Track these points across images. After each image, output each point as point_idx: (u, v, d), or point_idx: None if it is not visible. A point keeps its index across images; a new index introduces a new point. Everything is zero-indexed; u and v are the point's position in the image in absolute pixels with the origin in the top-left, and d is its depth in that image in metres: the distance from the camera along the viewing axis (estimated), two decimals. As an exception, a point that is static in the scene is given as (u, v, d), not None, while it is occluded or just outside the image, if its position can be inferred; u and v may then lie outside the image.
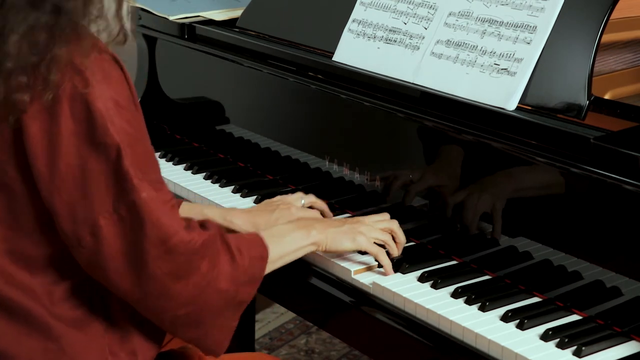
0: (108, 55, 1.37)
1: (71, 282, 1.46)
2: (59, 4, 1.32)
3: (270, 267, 1.56)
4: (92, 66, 1.33)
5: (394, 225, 1.76)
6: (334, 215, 1.96)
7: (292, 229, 1.67)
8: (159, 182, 1.41)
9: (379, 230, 1.73)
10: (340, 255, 1.76)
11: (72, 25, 1.33)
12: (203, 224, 1.49)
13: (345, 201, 2.00)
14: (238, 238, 1.53)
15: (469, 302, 1.63)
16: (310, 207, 1.91)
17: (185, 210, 1.84)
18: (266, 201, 1.92)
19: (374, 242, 1.72)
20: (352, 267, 1.73)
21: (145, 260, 1.38)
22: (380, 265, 1.73)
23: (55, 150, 1.34)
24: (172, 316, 1.44)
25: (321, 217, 1.88)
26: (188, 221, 1.45)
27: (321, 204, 1.92)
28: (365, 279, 1.72)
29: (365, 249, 1.71)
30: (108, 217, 1.37)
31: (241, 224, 1.83)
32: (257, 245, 1.54)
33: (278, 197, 1.92)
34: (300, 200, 1.91)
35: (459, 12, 1.88)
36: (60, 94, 1.32)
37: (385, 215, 1.79)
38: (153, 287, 1.40)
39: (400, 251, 1.75)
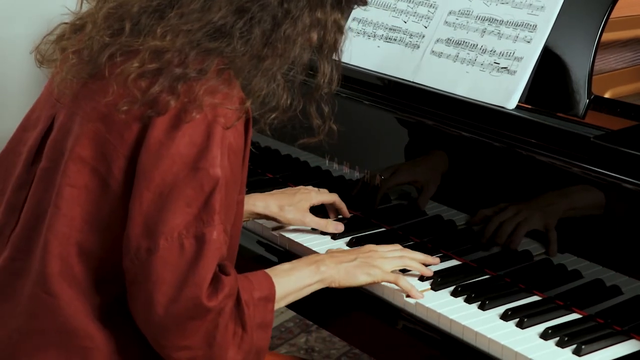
0: (244, 107, 1.42)
1: (116, 290, 1.45)
2: (240, 49, 1.41)
3: (276, 306, 1.52)
4: (228, 108, 1.40)
5: (407, 255, 1.71)
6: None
7: (298, 266, 1.62)
8: (227, 235, 1.42)
9: (393, 259, 1.69)
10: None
11: (233, 68, 1.42)
12: (222, 267, 1.43)
13: (345, 200, 2.00)
14: (245, 279, 1.48)
15: (469, 300, 1.63)
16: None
17: None
18: (285, 188, 1.96)
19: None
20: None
21: (180, 295, 1.37)
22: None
23: (158, 163, 1.37)
24: (189, 358, 1.41)
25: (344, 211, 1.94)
26: (213, 279, 1.41)
27: (334, 194, 1.95)
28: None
29: (382, 281, 1.66)
30: (170, 241, 1.37)
31: (264, 206, 1.87)
32: (264, 287, 1.51)
33: (293, 188, 1.96)
34: (315, 189, 1.95)
35: (459, 10, 1.88)
36: (191, 117, 1.37)
37: (396, 246, 1.74)
38: (173, 324, 1.38)
39: (430, 273, 1.71)
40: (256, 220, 1.93)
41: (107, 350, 1.45)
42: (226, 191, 1.40)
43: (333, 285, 1.64)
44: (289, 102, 1.49)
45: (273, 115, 1.48)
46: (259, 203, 1.88)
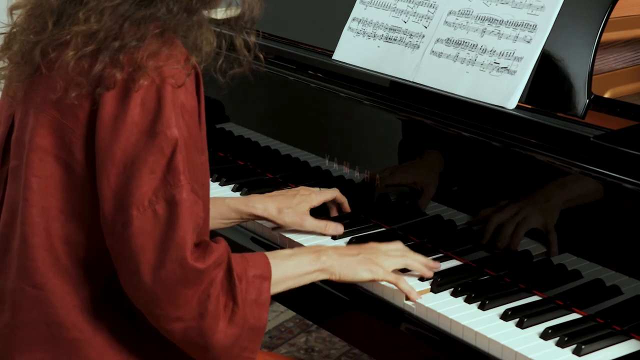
0: (192, 69, 1.43)
1: (104, 276, 1.47)
2: (171, 8, 1.41)
3: (272, 290, 1.52)
4: (174, 68, 1.40)
5: (409, 255, 1.71)
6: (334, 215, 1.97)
7: (299, 252, 1.63)
8: (198, 196, 1.42)
9: (396, 257, 1.69)
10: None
11: (172, 29, 1.42)
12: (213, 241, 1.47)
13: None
14: (241, 257, 1.50)
15: (468, 300, 1.63)
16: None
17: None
18: (286, 189, 1.96)
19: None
20: None
21: (164, 260, 1.38)
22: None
23: (116, 134, 1.38)
24: (182, 329, 1.42)
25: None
26: (199, 244, 1.42)
27: (335, 189, 1.96)
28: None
29: (383, 280, 1.66)
30: (142, 210, 1.38)
31: (263, 208, 1.87)
32: (260, 265, 1.51)
33: (293, 189, 1.96)
34: (316, 189, 1.95)
35: (459, 10, 1.88)
36: (139, 84, 1.38)
37: (399, 244, 1.74)
38: (164, 293, 1.39)
39: (431, 275, 1.70)
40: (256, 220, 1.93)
41: (96, 341, 1.46)
42: (187, 151, 1.41)
43: (333, 277, 1.64)
44: (224, 44, 1.51)
45: (219, 63, 1.50)
46: (258, 205, 1.87)
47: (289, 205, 1.88)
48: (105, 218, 1.40)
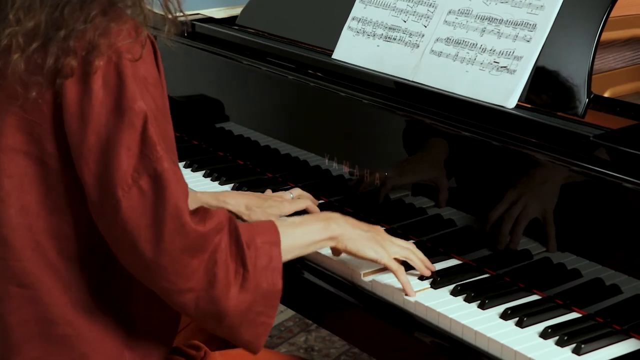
0: (145, 37, 1.41)
1: (96, 269, 1.47)
2: None
3: (282, 257, 1.52)
4: (128, 42, 1.39)
5: (412, 248, 1.71)
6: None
7: (309, 220, 1.63)
8: (177, 165, 1.42)
9: (400, 247, 1.69)
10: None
11: (115, 4, 1.40)
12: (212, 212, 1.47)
13: (345, 199, 2.00)
14: (248, 224, 1.51)
15: (468, 299, 1.63)
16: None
17: None
18: (262, 193, 1.99)
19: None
20: (361, 270, 1.73)
21: (162, 234, 1.38)
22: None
23: (86, 120, 1.38)
24: (194, 300, 1.41)
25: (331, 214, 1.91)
26: (196, 210, 1.43)
27: (308, 196, 1.97)
28: (366, 277, 1.72)
29: (385, 263, 1.66)
30: (127, 189, 1.37)
31: (234, 204, 1.88)
32: (268, 231, 1.51)
33: (270, 193, 1.98)
34: (289, 194, 1.97)
35: (459, 10, 1.88)
36: (96, 65, 1.37)
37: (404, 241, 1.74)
38: (170, 265, 1.39)
39: (428, 273, 1.70)
40: None
41: (90, 336, 1.46)
42: (157, 123, 1.40)
43: (339, 246, 1.64)
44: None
45: (167, 29, 1.48)
46: (230, 200, 1.89)
47: (259, 205, 1.89)
48: (93, 204, 1.40)
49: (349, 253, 1.66)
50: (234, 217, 1.48)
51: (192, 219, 1.39)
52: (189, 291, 1.41)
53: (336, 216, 1.66)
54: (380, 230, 1.72)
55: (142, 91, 1.39)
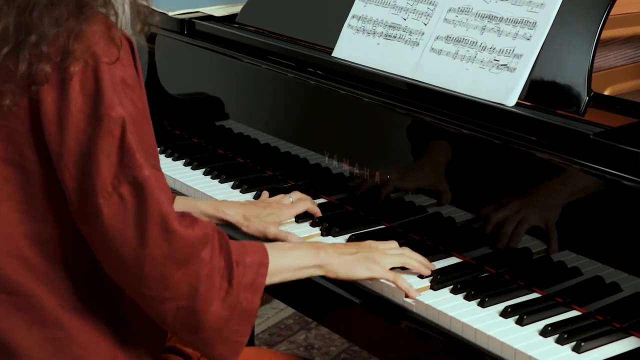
0: (121, 36, 1.39)
1: (83, 270, 1.46)
2: None
3: (268, 280, 1.52)
4: (104, 45, 1.37)
5: (407, 253, 1.70)
6: (334, 211, 1.97)
7: (299, 246, 1.63)
8: (158, 169, 1.41)
9: (394, 256, 1.68)
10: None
11: (87, 5, 1.37)
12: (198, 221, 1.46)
13: (345, 197, 2.00)
14: (239, 243, 1.50)
15: (468, 298, 1.63)
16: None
17: (179, 204, 1.86)
18: (259, 200, 1.98)
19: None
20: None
21: (146, 241, 1.37)
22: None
23: (64, 126, 1.36)
24: (173, 310, 1.41)
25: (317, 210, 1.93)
26: (182, 213, 1.42)
27: (307, 197, 1.96)
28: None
29: (381, 278, 1.66)
30: (107, 197, 1.36)
31: (233, 214, 1.87)
32: (258, 252, 1.51)
33: (268, 199, 1.98)
34: (288, 198, 1.95)
35: (459, 8, 1.88)
36: (72, 72, 1.35)
37: (394, 243, 1.74)
38: (153, 273, 1.38)
39: (428, 272, 1.70)
40: None
41: (80, 338, 1.45)
42: (136, 127, 1.38)
43: (331, 275, 1.64)
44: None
45: (139, 28, 1.46)
46: (229, 211, 1.88)
47: (257, 215, 1.88)
48: (74, 209, 1.39)
49: (343, 280, 1.66)
50: (224, 232, 1.47)
51: (179, 223, 1.38)
52: (170, 300, 1.40)
53: (325, 245, 1.66)
54: (369, 245, 1.71)
55: (120, 95, 1.37)
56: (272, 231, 1.85)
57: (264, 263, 1.50)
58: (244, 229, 1.87)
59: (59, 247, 1.44)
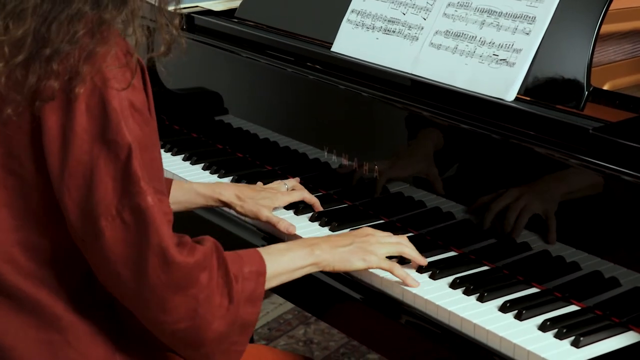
0: (132, 60, 1.37)
1: (80, 274, 1.45)
2: (98, 0, 1.34)
3: (266, 286, 1.52)
4: (116, 68, 1.35)
5: (403, 242, 1.70)
6: (333, 206, 1.97)
7: (293, 247, 1.62)
8: (162, 193, 1.40)
9: (389, 244, 1.68)
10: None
11: (105, 23, 1.35)
12: (198, 240, 1.45)
13: (343, 191, 2.00)
14: (235, 254, 1.49)
15: (467, 292, 1.63)
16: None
17: (176, 188, 1.88)
18: (255, 184, 2.00)
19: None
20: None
21: (145, 268, 1.36)
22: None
23: (68, 146, 1.34)
24: (172, 330, 1.41)
25: (318, 205, 1.94)
26: (180, 238, 1.41)
27: (301, 187, 1.98)
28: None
29: (377, 267, 1.66)
30: (110, 220, 1.35)
31: (228, 195, 1.89)
32: (255, 261, 1.50)
33: (263, 185, 2.00)
34: (283, 185, 1.97)
35: (458, 2, 1.88)
36: (77, 92, 1.33)
37: (390, 234, 1.73)
38: (152, 298, 1.38)
39: (425, 263, 1.70)
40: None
41: (77, 341, 1.44)
42: (142, 152, 1.36)
43: (327, 269, 1.64)
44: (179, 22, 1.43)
45: (162, 51, 1.44)
46: (224, 192, 1.90)
47: (252, 197, 1.90)
48: (72, 228, 1.38)
49: (341, 272, 1.66)
50: (220, 247, 1.45)
51: (178, 252, 1.37)
52: (169, 323, 1.40)
53: (318, 241, 1.65)
54: (364, 234, 1.70)
55: (127, 120, 1.35)
56: (264, 214, 1.87)
57: (261, 272, 1.50)
58: (238, 208, 1.89)
59: (53, 255, 1.43)
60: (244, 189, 1.92)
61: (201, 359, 1.47)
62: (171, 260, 1.36)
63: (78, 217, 1.36)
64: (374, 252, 1.66)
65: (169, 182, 1.85)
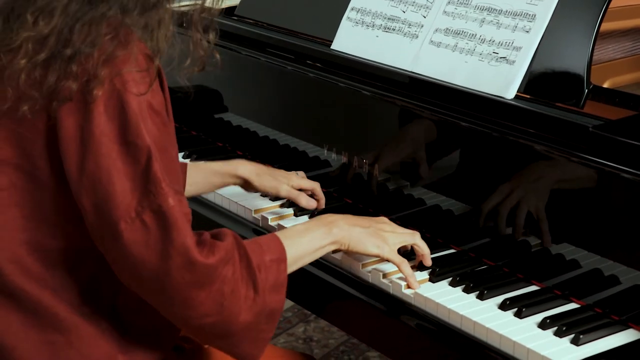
0: (152, 64, 1.38)
1: (85, 276, 1.45)
2: (124, 5, 1.35)
3: (288, 271, 1.51)
4: (136, 72, 1.35)
5: (416, 237, 1.71)
6: (333, 204, 1.97)
7: (311, 227, 1.62)
8: (181, 194, 1.40)
9: (403, 234, 1.69)
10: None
11: (126, 28, 1.35)
12: (217, 235, 1.44)
13: (343, 189, 2.00)
14: (254, 243, 1.49)
15: (467, 290, 1.63)
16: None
17: (192, 169, 1.88)
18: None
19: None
20: (361, 261, 1.73)
21: (169, 268, 1.35)
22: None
23: (86, 148, 1.34)
24: (199, 325, 1.41)
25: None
26: (200, 236, 1.41)
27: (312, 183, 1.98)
28: (365, 268, 1.72)
29: (387, 257, 1.66)
30: (130, 222, 1.34)
31: (245, 170, 1.92)
32: (275, 248, 1.50)
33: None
34: (295, 174, 1.99)
35: (458, 0, 1.88)
36: (95, 95, 1.33)
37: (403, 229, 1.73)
38: (176, 296, 1.37)
39: (430, 262, 1.70)
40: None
41: (80, 341, 1.44)
42: (161, 153, 1.37)
43: (342, 248, 1.64)
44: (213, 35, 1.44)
45: (198, 68, 1.46)
46: (241, 167, 1.93)
47: (269, 173, 1.93)
48: (92, 228, 1.37)
49: (354, 252, 1.67)
50: (240, 239, 1.45)
51: (199, 252, 1.37)
52: (196, 318, 1.40)
53: (336, 219, 1.65)
54: (381, 221, 1.71)
55: (146, 122, 1.35)
56: (284, 188, 1.91)
57: (282, 258, 1.49)
58: (256, 183, 1.92)
59: (60, 256, 1.43)
60: (260, 165, 1.95)
61: (228, 347, 1.47)
62: (194, 260, 1.36)
63: (96, 218, 1.36)
64: (387, 242, 1.66)
65: (184, 165, 1.86)
